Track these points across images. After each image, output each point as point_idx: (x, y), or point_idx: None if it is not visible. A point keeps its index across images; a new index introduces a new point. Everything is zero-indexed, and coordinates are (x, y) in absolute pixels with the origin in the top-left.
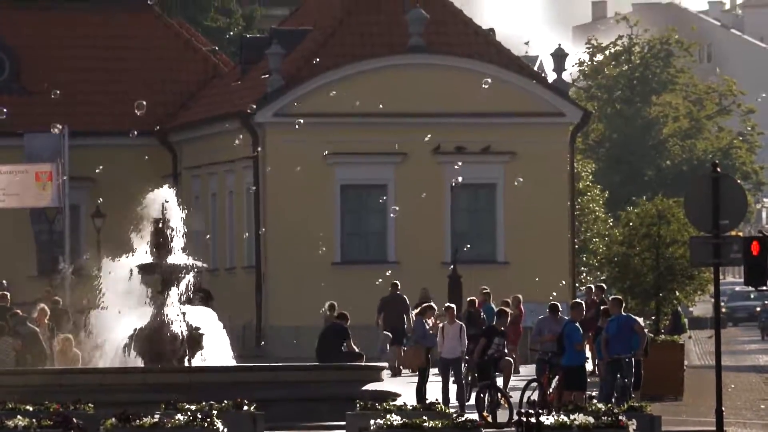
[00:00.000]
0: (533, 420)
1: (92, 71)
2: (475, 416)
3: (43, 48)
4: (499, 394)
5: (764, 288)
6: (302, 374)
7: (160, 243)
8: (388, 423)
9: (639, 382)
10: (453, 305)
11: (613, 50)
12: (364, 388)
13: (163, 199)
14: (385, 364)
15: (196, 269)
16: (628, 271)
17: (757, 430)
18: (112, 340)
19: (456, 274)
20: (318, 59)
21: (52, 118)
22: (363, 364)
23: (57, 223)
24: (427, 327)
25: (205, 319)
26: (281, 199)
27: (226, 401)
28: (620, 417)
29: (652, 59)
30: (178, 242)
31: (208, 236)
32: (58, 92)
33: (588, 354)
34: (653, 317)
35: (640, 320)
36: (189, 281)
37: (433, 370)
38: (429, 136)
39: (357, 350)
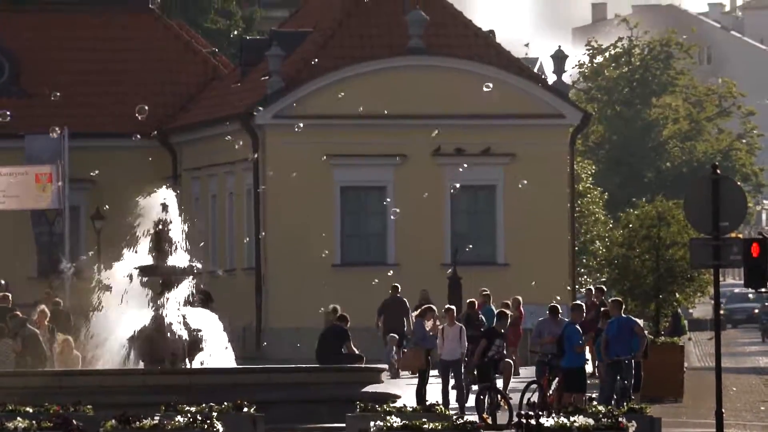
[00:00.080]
0: (533, 422)
1: (92, 73)
2: (475, 418)
3: (42, 50)
4: (499, 396)
5: (764, 290)
6: (302, 376)
7: (160, 245)
8: (388, 425)
9: (639, 384)
10: (453, 307)
11: (613, 52)
12: (363, 389)
13: (163, 199)
14: (385, 366)
15: (197, 271)
16: (628, 272)
17: None
18: (111, 341)
19: (456, 275)
20: (318, 61)
21: (52, 120)
22: (363, 365)
23: (57, 224)
24: (427, 329)
25: (206, 321)
26: (281, 200)
27: (226, 403)
28: (620, 419)
29: (652, 61)
30: (177, 243)
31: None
32: (58, 94)
33: (588, 356)
34: (653, 319)
35: (640, 322)
36: (189, 283)
37: (433, 372)
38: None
39: (357, 352)
